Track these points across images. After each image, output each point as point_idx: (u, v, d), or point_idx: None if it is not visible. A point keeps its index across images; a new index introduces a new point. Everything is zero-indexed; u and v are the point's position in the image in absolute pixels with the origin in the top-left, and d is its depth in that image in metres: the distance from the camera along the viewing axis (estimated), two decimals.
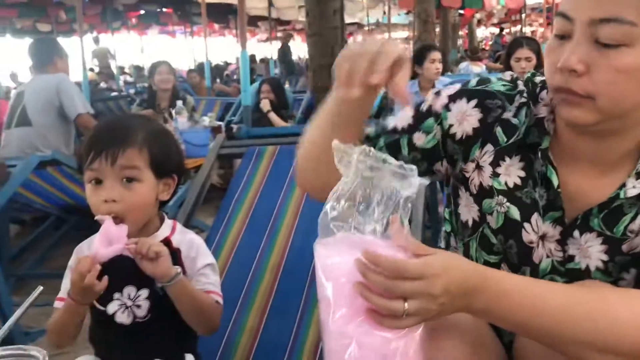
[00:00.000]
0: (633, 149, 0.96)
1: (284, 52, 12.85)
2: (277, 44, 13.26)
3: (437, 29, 11.24)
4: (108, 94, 8.62)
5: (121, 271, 1.29)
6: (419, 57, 4.39)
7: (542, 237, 1.01)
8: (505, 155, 1.03)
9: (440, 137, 1.08)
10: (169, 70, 4.80)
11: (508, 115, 1.03)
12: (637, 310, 0.85)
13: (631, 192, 0.94)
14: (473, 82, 1.08)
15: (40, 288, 0.80)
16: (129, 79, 12.61)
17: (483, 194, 1.05)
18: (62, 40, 5.86)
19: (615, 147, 0.96)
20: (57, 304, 1.32)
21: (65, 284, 1.34)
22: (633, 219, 0.95)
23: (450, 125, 1.06)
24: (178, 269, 1.23)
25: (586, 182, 0.99)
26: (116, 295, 1.27)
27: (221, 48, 19.32)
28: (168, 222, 1.37)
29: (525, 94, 1.04)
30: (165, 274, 1.21)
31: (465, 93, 1.06)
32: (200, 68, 10.06)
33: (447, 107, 1.07)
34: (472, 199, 1.07)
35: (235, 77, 11.74)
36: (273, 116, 5.02)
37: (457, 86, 1.09)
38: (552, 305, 0.85)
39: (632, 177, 0.96)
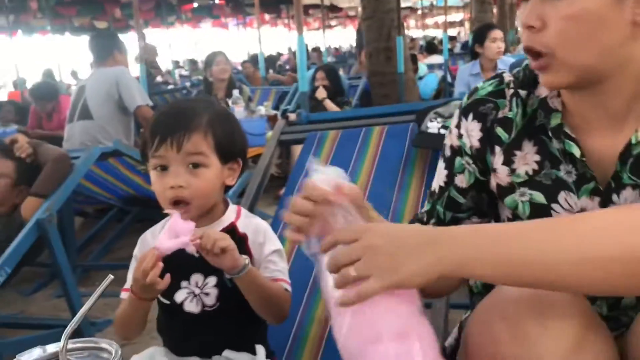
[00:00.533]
0: (638, 94, 0.93)
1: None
2: (330, 33, 13.15)
3: (494, 10, 10.93)
4: (164, 87, 8.74)
5: (188, 259, 1.25)
6: (480, 37, 4.24)
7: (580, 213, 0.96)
8: (514, 150, 1.03)
9: (473, 166, 1.09)
10: (226, 61, 4.81)
11: (503, 112, 1.04)
12: (620, 210, 0.81)
13: None
14: (464, 99, 1.11)
15: (111, 277, 0.76)
16: (183, 72, 12.77)
17: (505, 193, 1.05)
18: None
19: (617, 97, 0.94)
20: (123, 295, 1.30)
21: (131, 274, 1.32)
22: None
23: (468, 147, 1.09)
24: (246, 259, 1.18)
25: (606, 142, 0.96)
26: (183, 283, 1.23)
27: (273, 39, 19.38)
28: (233, 208, 1.32)
29: (512, 85, 1.04)
30: (233, 266, 1.17)
31: (463, 112, 1.09)
32: (253, 59, 10.11)
33: (459, 136, 1.09)
34: (500, 202, 1.08)
35: (287, 67, 11.75)
36: (329, 103, 4.96)
37: (457, 113, 1.12)
38: (530, 228, 0.82)
39: None
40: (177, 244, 1.15)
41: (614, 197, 0.94)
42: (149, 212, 3.64)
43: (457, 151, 1.10)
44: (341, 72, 6.14)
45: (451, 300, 1.60)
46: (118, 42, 4.03)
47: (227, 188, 1.31)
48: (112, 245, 3.75)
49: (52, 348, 0.73)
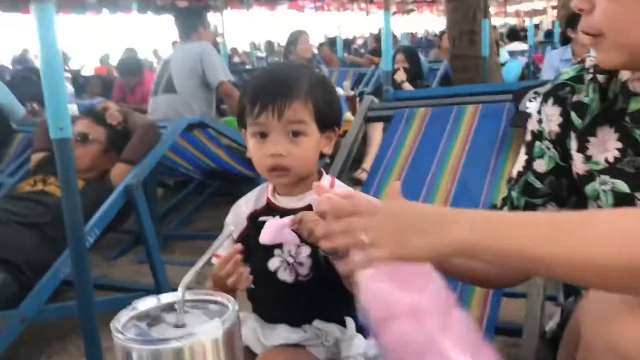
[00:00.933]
0: None
1: None
2: (407, 18, 12.97)
3: None
4: (242, 67, 8.85)
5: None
6: (573, 21, 4.04)
7: None
8: (588, 136, 1.01)
9: (553, 151, 1.09)
10: (309, 40, 4.81)
11: (579, 96, 1.03)
12: (627, 218, 0.76)
13: None
14: (548, 85, 1.11)
15: (232, 228, 0.74)
16: (259, 54, 12.90)
17: (584, 181, 1.03)
18: None
19: None
20: (214, 260, 1.31)
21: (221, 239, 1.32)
22: None
23: (547, 132, 1.08)
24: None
25: None
26: (276, 251, 1.23)
27: (348, 23, 19.27)
28: (327, 177, 1.31)
29: (592, 69, 1.02)
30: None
31: (545, 97, 1.09)
32: (330, 41, 10.08)
33: (539, 121, 1.10)
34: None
35: (362, 50, 11.66)
36: (407, 86, 4.88)
37: (539, 98, 1.12)
38: (538, 223, 0.80)
39: None
40: (278, 236, 1.14)
41: None
42: (229, 186, 3.70)
43: (538, 136, 1.10)
44: (421, 56, 6.02)
45: None
46: (203, 19, 4.11)
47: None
48: (192, 216, 3.84)
49: (168, 298, 0.72)
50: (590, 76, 1.02)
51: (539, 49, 8.53)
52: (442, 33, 7.84)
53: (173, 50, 4.14)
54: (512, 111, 1.90)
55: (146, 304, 0.71)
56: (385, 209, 0.87)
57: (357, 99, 4.70)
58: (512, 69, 6.61)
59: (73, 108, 3.78)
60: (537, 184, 1.11)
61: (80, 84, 7.36)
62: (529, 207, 1.13)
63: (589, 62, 1.04)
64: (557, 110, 1.06)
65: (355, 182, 4.04)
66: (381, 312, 0.86)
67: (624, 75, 0.98)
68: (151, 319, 0.68)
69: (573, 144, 1.04)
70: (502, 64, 6.84)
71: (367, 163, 4.38)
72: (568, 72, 1.08)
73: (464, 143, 1.89)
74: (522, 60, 7.07)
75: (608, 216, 0.79)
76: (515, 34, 9.87)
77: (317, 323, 1.24)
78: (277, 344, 1.23)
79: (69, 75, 4.05)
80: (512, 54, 7.90)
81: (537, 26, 15.34)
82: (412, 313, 0.84)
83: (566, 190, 1.10)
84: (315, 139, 1.22)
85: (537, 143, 1.11)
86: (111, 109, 2.71)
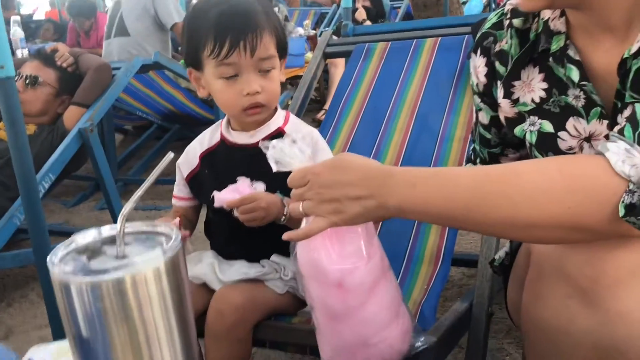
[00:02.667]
0: (635, 7, 0.86)
1: None
2: None
3: None
4: None
5: (233, 162, 1.22)
6: None
7: (588, 138, 0.93)
8: (512, 81, 1.01)
9: (484, 104, 1.11)
10: None
11: (500, 44, 1.03)
12: (549, 174, 0.77)
13: (635, 47, 0.83)
14: (478, 34, 1.09)
15: (171, 155, 0.71)
16: None
17: (514, 124, 1.03)
18: None
19: (615, 10, 0.87)
20: (174, 202, 1.33)
21: (176, 183, 1.31)
22: None
23: (476, 85, 1.09)
24: (285, 212, 1.15)
25: (611, 59, 0.88)
26: (231, 186, 1.20)
27: None
28: (281, 112, 1.28)
29: (509, 14, 1.00)
30: (277, 218, 1.15)
31: (474, 48, 1.09)
32: None
33: (471, 74, 1.11)
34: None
35: None
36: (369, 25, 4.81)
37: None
38: (463, 186, 0.82)
39: None
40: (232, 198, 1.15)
41: (619, 118, 0.87)
42: (188, 129, 3.63)
43: (474, 90, 1.12)
44: None
45: None
46: None
47: None
48: (152, 161, 3.77)
49: (108, 230, 0.70)
50: (507, 22, 1.01)
51: None
52: None
53: None
54: (470, 43, 1.88)
55: (85, 237, 0.68)
56: (315, 178, 0.88)
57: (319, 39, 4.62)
58: (473, 6, 6.56)
59: (24, 52, 3.62)
60: (487, 135, 1.14)
61: (33, 28, 7.06)
62: (492, 157, 1.17)
63: (507, 7, 1.02)
64: (483, 61, 1.07)
65: (318, 124, 4.01)
66: (312, 276, 0.94)
67: (546, 14, 0.96)
68: (91, 252, 0.65)
69: (499, 92, 1.04)
70: (464, 2, 6.78)
71: (329, 103, 4.35)
72: (491, 18, 1.07)
73: (422, 76, 1.87)
74: None
75: (530, 172, 0.79)
76: None
77: (274, 257, 1.24)
78: (234, 279, 1.22)
79: (18, 18, 3.84)
80: None
81: None
82: (338, 287, 0.91)
83: (513, 136, 1.09)
84: (279, 69, 1.21)
85: (475, 97, 1.13)
86: (61, 50, 2.60)
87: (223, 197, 1.15)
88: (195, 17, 1.19)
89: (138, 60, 2.71)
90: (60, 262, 0.62)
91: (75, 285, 0.59)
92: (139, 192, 0.67)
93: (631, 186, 0.72)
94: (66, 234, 2.78)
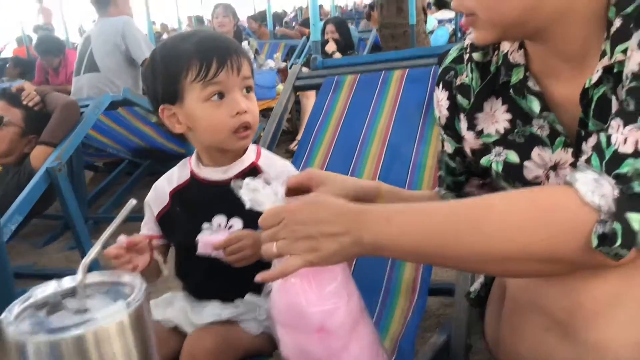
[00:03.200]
0: (591, 37, 0.87)
1: None
2: None
3: None
4: None
5: (209, 200, 1.20)
6: None
7: (554, 167, 0.94)
8: (475, 113, 1.03)
9: (447, 136, 1.12)
10: (225, 13, 4.61)
11: (461, 78, 1.05)
12: (520, 206, 0.78)
13: (595, 77, 0.84)
14: (440, 69, 1.11)
15: (134, 201, 0.69)
16: (189, 29, 12.56)
17: (480, 155, 1.04)
18: None
19: (569, 43, 0.89)
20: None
21: (145, 221, 1.27)
22: (607, 101, 0.84)
23: (438, 117, 1.12)
24: None
25: (571, 89, 0.90)
26: (205, 225, 1.18)
27: None
28: (252, 147, 1.26)
29: (469, 48, 1.03)
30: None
31: (437, 82, 1.11)
32: (260, 15, 9.90)
33: (434, 107, 1.13)
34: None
35: (294, 24, 11.54)
36: (338, 57, 4.85)
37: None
38: (437, 220, 0.82)
39: (599, 62, 0.85)
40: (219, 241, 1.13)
41: (584, 146, 0.89)
42: (160, 164, 3.59)
43: (437, 122, 1.14)
44: (351, 26, 6.00)
45: None
46: None
47: None
48: (123, 198, 3.70)
49: (68, 282, 0.67)
50: (467, 56, 1.03)
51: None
52: (371, 4, 7.83)
53: (93, 26, 3.92)
54: (437, 74, 1.89)
55: (44, 290, 0.65)
56: (289, 216, 0.86)
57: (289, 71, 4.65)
58: (440, 37, 6.69)
59: None
60: (452, 164, 1.15)
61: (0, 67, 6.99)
62: (456, 184, 1.18)
63: (467, 41, 1.04)
64: (445, 95, 1.09)
65: (291, 155, 4.00)
66: (290, 322, 0.91)
67: (505, 47, 0.98)
68: (50, 306, 0.62)
69: (462, 125, 1.06)
70: (430, 32, 6.92)
71: (301, 134, 4.36)
72: (452, 53, 1.09)
73: (392, 107, 1.87)
74: (450, 28, 7.16)
75: (502, 205, 0.79)
76: (442, 2, 9.97)
77: (249, 297, 1.21)
78: (207, 321, 1.19)
79: None
80: (441, 21, 8.00)
81: None
82: (319, 331, 0.89)
83: (477, 166, 1.11)
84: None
85: (439, 128, 1.15)
86: (27, 89, 2.56)
87: (208, 241, 1.13)
88: (170, 50, 1.18)
89: (107, 97, 2.68)
90: (15, 320, 0.59)
91: (32, 345, 0.56)
92: (102, 238, 0.65)
93: (602, 216, 0.72)
94: (35, 277, 2.72)
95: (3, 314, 0.58)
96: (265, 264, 1.13)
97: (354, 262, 1.46)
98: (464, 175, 1.16)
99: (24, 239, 3.22)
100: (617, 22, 0.82)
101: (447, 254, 0.81)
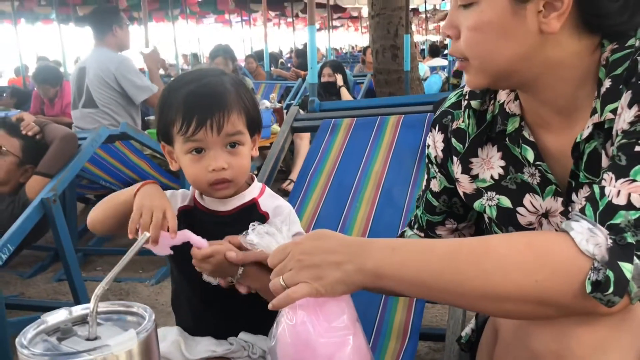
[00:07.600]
0: (582, 93, 0.91)
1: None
2: (333, 33, 13.12)
3: None
4: (167, 80, 8.68)
5: (211, 228, 1.21)
6: None
7: (546, 214, 0.98)
8: (470, 158, 1.07)
9: (440, 175, 1.16)
10: (224, 62, 4.65)
11: (457, 123, 1.09)
12: (518, 247, 0.81)
13: (586, 132, 0.89)
14: (437, 112, 1.15)
15: (147, 234, 0.71)
16: (185, 66, 12.70)
17: (472, 199, 1.08)
18: None
19: (558, 96, 0.93)
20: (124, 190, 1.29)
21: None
22: (598, 155, 0.88)
23: (434, 157, 1.16)
24: (240, 270, 1.13)
25: (563, 140, 0.95)
26: None
27: (275, 38, 19.33)
28: (258, 184, 1.28)
29: (467, 96, 1.07)
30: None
31: (433, 123, 1.15)
32: (257, 55, 10.06)
33: (429, 146, 1.18)
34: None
35: (289, 64, 11.72)
36: (344, 91, 4.98)
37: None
38: (439, 254, 0.85)
39: (589, 118, 0.90)
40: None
41: (574, 196, 0.94)
42: None
43: (429, 159, 1.18)
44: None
45: None
46: (119, 18, 3.73)
47: None
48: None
49: (79, 310, 0.69)
50: (465, 102, 1.07)
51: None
52: (366, 48, 8.00)
53: (89, 55, 3.76)
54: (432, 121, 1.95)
55: (56, 317, 0.67)
56: (295, 249, 0.90)
57: (285, 111, 4.72)
58: (433, 83, 6.83)
59: None
60: (434, 202, 1.19)
61: None
62: (429, 225, 1.21)
63: (466, 88, 1.08)
64: (441, 137, 1.13)
65: (283, 193, 4.03)
66: (298, 354, 0.91)
67: (502, 97, 1.03)
68: (62, 333, 0.64)
69: (455, 168, 1.10)
70: (424, 79, 7.06)
71: (295, 174, 4.40)
72: (450, 98, 1.13)
73: (387, 152, 1.92)
74: (443, 75, 7.32)
75: (501, 245, 0.83)
76: (436, 50, 10.20)
77: (243, 335, 1.22)
78: (201, 357, 1.19)
79: None
80: (434, 69, 8.17)
81: None
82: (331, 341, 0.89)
83: (460, 208, 1.17)
84: (249, 145, 1.21)
85: (430, 166, 1.18)
86: (26, 119, 2.59)
87: (193, 240, 1.13)
88: (168, 94, 1.20)
89: (105, 131, 2.71)
90: (29, 343, 0.60)
91: None
92: (113, 273, 0.67)
93: (596, 264, 0.75)
94: (21, 307, 2.69)
95: (17, 338, 0.59)
96: (257, 303, 1.15)
97: None
98: (442, 216, 1.19)
99: (11, 269, 3.20)
100: (607, 83, 0.86)
101: (446, 288, 0.84)
